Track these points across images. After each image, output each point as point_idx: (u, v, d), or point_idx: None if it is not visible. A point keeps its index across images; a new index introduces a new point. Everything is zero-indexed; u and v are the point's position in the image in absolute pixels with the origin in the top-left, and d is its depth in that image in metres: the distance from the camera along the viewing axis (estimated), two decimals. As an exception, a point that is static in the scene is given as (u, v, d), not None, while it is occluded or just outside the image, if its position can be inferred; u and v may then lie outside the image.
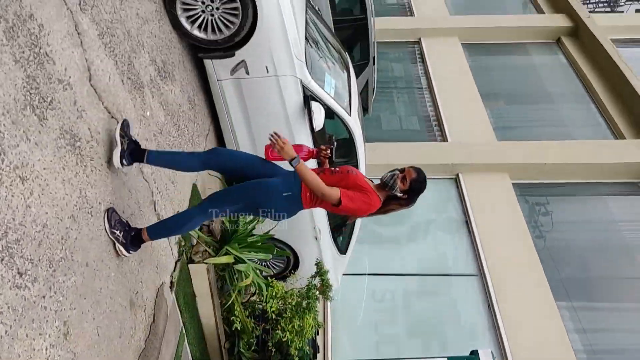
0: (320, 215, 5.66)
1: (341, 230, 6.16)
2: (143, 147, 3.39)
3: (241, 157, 3.56)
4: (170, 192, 4.26)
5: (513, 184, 8.10)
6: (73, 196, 2.82)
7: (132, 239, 3.27)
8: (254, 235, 4.87)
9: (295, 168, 2.99)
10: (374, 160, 7.45)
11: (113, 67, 3.44)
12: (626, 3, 15.26)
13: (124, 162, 3.23)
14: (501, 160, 8.24)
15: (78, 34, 3.05)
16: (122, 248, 3.20)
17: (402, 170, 3.24)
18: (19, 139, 2.42)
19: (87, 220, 2.94)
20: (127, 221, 3.31)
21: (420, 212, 8.08)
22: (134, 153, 3.28)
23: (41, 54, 2.68)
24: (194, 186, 4.83)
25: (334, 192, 3.02)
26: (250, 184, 3.26)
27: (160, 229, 3.40)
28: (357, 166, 5.67)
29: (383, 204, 3.24)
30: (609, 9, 15.41)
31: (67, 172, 2.78)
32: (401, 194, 3.20)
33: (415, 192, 3.22)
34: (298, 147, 3.34)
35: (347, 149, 5.49)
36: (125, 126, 3.23)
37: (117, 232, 3.15)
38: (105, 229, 3.10)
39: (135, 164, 3.45)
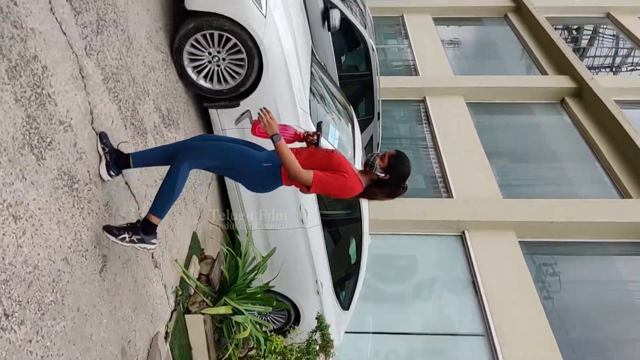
0: (322, 268, 5.56)
1: (344, 285, 6.04)
2: (126, 152, 3.35)
3: (227, 140, 3.52)
4: (169, 239, 4.19)
5: (520, 242, 7.98)
6: (67, 238, 2.77)
7: (143, 226, 3.15)
8: (253, 286, 4.76)
9: (275, 144, 3.02)
10: (378, 216, 7.39)
11: (116, 111, 3.45)
12: (628, 69, 15.49)
13: (112, 172, 3.20)
14: (507, 217, 8.15)
15: (82, 77, 3.07)
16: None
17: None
18: (15, 177, 2.38)
19: (81, 263, 2.87)
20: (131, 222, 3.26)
21: (426, 269, 7.95)
22: (119, 161, 3.24)
23: (43, 94, 2.68)
24: (194, 234, 4.77)
25: (307, 175, 3.03)
26: (236, 148, 3.27)
27: (165, 204, 3.21)
28: (360, 220, 5.61)
29: (366, 189, 3.23)
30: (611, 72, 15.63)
31: (62, 214, 2.74)
32: (382, 173, 3.17)
33: (396, 171, 3.18)
34: (284, 127, 3.36)
35: (349, 201, 5.45)
36: (103, 137, 3.20)
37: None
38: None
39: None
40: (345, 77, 7.51)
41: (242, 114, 4.74)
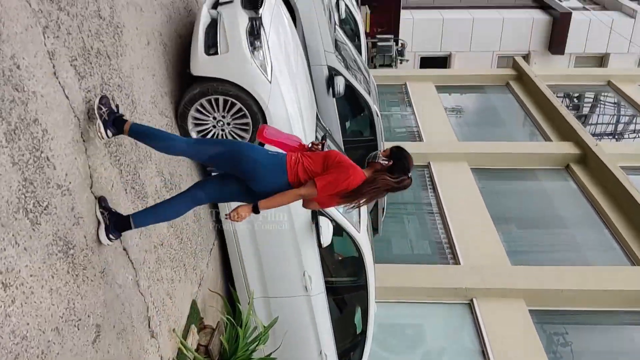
0: (327, 339, 5.35)
1: (349, 356, 5.80)
2: (125, 214, 3.24)
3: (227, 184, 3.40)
4: (168, 307, 4.04)
5: (530, 310, 7.72)
6: (60, 307, 2.64)
7: (115, 120, 3.13)
8: (255, 358, 4.56)
9: (260, 208, 3.07)
10: (384, 282, 7.21)
11: (117, 175, 3.39)
12: (630, 136, 15.61)
13: (111, 236, 3.12)
14: (516, 285, 7.93)
15: (83, 141, 3.03)
16: (101, 125, 3.06)
17: None
18: (7, 242, 2.29)
19: (73, 334, 2.73)
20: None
21: (433, 339, 7.67)
22: (119, 223, 3.15)
23: (42, 158, 2.63)
24: (193, 302, 4.61)
25: (310, 189, 3.06)
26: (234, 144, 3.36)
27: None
28: (366, 288, 5.45)
29: (373, 177, 3.12)
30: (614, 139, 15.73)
31: (55, 281, 2.62)
32: (385, 160, 3.15)
33: (397, 157, 3.14)
34: (290, 137, 3.40)
35: (356, 268, 5.31)
36: (102, 201, 3.13)
37: (104, 109, 3.09)
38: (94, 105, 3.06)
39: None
40: (350, 142, 7.51)
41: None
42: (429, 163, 11.12)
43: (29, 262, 2.43)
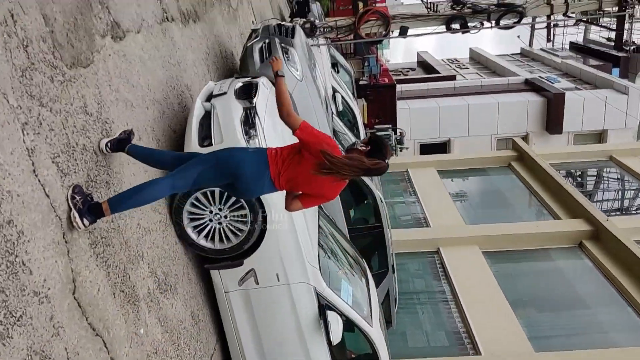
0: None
1: None
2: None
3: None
4: None
5: (562, 402, 7.14)
6: None
7: (90, 207, 2.97)
8: None
9: (277, 77, 3.23)
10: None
11: (104, 278, 3.12)
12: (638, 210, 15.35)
13: None
14: (544, 374, 7.39)
15: (65, 242, 2.80)
16: (76, 214, 2.86)
17: None
18: (-31, 361, 2.00)
19: None
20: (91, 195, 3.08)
21: None
22: None
23: (16, 262, 2.38)
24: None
25: (296, 120, 3.14)
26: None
27: (123, 198, 3.12)
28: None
29: (347, 156, 3.16)
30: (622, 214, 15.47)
31: (29, 404, 2.30)
32: (363, 146, 3.23)
33: (375, 142, 3.24)
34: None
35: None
36: None
37: (77, 198, 2.92)
38: (67, 196, 2.87)
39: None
40: (356, 230, 7.25)
41: (247, 273, 4.42)
42: (438, 249, 10.80)
43: (-4, 383, 2.13)
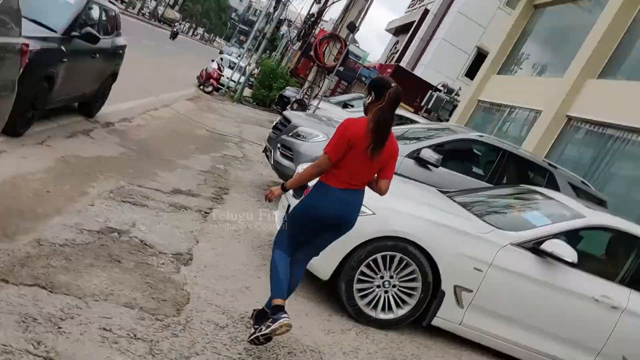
0: None
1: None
2: None
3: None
4: None
5: None
6: None
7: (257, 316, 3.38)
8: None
9: (287, 186, 3.41)
10: None
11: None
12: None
13: None
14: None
15: None
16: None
17: None
18: None
19: None
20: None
21: None
22: None
23: None
24: None
25: (321, 158, 3.27)
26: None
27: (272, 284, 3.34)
28: None
29: (369, 117, 3.29)
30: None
31: None
32: (368, 98, 3.36)
33: (374, 88, 3.32)
34: None
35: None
36: None
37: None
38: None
39: None
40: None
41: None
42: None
43: None
